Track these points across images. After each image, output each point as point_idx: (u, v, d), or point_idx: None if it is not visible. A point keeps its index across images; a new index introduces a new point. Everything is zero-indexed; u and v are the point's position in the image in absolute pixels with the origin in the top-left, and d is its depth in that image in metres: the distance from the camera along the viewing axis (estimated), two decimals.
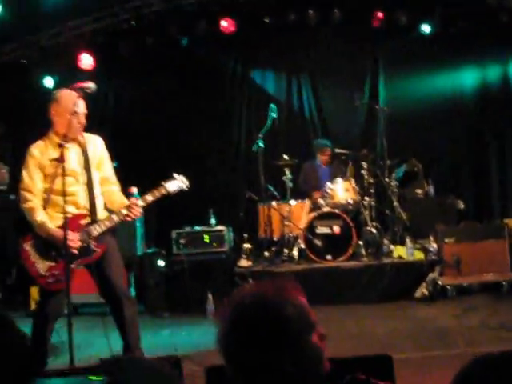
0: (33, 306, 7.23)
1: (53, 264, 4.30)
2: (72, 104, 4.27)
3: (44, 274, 4.30)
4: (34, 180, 4.35)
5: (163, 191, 4.46)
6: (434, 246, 7.29)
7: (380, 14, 8.78)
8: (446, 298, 6.79)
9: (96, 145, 4.57)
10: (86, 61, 9.11)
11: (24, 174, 4.40)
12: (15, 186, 8.22)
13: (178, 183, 4.54)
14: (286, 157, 8.06)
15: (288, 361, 1.53)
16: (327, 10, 8.87)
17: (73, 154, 4.38)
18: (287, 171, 8.08)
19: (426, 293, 6.78)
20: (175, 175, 4.57)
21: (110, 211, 4.52)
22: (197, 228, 7.81)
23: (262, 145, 7.74)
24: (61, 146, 4.17)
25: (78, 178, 4.38)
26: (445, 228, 7.36)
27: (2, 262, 8.52)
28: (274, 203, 8.07)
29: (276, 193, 8.20)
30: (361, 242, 7.63)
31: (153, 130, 9.24)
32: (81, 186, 4.39)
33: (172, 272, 7.37)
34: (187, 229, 7.78)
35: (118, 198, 4.58)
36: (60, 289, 4.26)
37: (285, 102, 9.53)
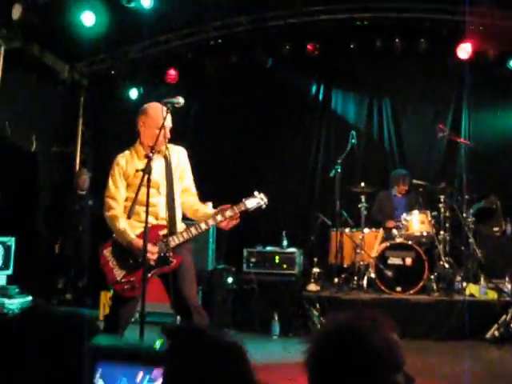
0: (102, 309, 7.46)
1: (130, 271, 4.39)
2: (160, 118, 4.35)
3: (120, 280, 4.39)
4: (118, 189, 4.47)
5: (242, 208, 4.46)
6: (509, 286, 7.07)
7: (468, 47, 8.68)
8: None
9: (179, 156, 4.65)
10: (171, 75, 9.41)
11: (110, 182, 4.51)
12: (94, 191, 8.64)
13: (257, 200, 4.54)
14: (362, 184, 8.03)
15: None
16: (414, 39, 8.84)
17: (157, 166, 4.45)
18: (363, 199, 8.04)
19: (497, 334, 6.57)
20: (255, 193, 4.57)
21: (188, 223, 4.58)
22: (268, 248, 7.87)
23: (339, 170, 7.73)
24: (147, 157, 4.25)
25: (160, 189, 4.46)
26: None
27: (77, 264, 8.82)
28: (347, 230, 8.03)
29: (350, 220, 8.16)
30: (432, 277, 7.49)
31: (232, 147, 9.39)
32: (162, 197, 4.47)
33: (240, 290, 7.43)
34: (259, 248, 7.84)
35: (200, 207, 4.65)
36: (134, 296, 4.36)
37: (364, 129, 9.51)
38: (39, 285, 8.23)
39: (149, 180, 4.14)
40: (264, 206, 4.59)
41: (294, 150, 9.46)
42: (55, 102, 9.20)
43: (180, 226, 4.55)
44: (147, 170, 4.11)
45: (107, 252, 4.47)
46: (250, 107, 9.44)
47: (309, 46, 9.00)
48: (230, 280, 7.47)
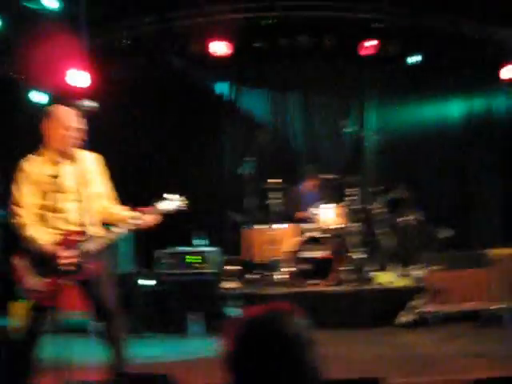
0: (13, 320, 7.20)
1: (44, 280, 4.23)
2: (67, 119, 4.25)
3: (35, 289, 4.24)
4: (24, 195, 4.28)
5: (153, 211, 4.43)
6: (418, 273, 7.31)
7: (369, 44, 8.93)
8: (427, 326, 6.78)
9: (91, 161, 4.52)
10: (80, 78, 9.18)
11: (15, 189, 4.33)
12: (4, 201, 8.33)
13: (170, 203, 4.52)
14: (270, 181, 8.10)
15: (285, 376, 1.59)
16: (319, 37, 9.00)
17: (66, 170, 4.32)
18: (271, 195, 8.12)
19: (405, 320, 6.79)
20: (165, 195, 4.54)
21: (106, 227, 4.48)
22: (179, 248, 7.81)
23: (248, 168, 7.79)
24: (55, 162, 4.15)
25: (70, 195, 4.32)
26: (429, 256, 7.39)
27: None
28: (257, 226, 8.09)
29: (260, 216, 8.22)
30: (345, 268, 7.64)
31: (144, 150, 9.30)
32: (73, 203, 4.33)
33: (154, 292, 7.35)
34: (170, 249, 7.78)
35: (114, 212, 4.54)
36: (50, 305, 4.23)
37: (273, 126, 9.61)
38: None
39: (58, 185, 4.06)
40: (182, 206, 4.56)
41: (204, 149, 9.45)
42: None
43: (94, 230, 4.42)
44: (56, 176, 4.06)
45: (19, 261, 4.30)
46: (161, 109, 9.37)
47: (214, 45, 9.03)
48: (143, 282, 7.37)
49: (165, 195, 4.54)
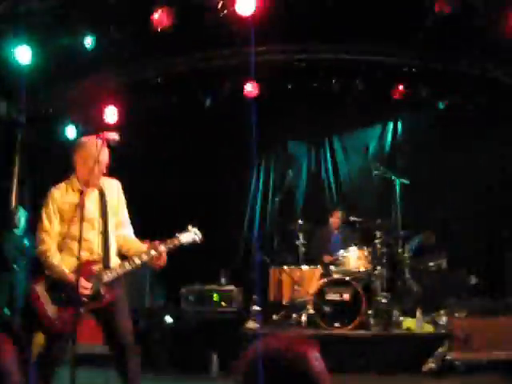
0: (35, 350, 7.22)
1: (61, 307, 4.27)
2: (95, 151, 4.33)
3: (52, 316, 4.28)
4: (52, 223, 4.38)
5: (176, 242, 4.47)
6: (444, 319, 7.21)
7: (401, 87, 9.02)
8: (454, 374, 6.63)
9: (113, 189, 4.62)
10: (111, 114, 9.36)
11: (43, 216, 4.42)
12: (32, 231, 8.45)
13: (191, 235, 4.56)
14: (300, 221, 8.11)
15: None
16: (350, 80, 9.10)
17: (91, 200, 4.41)
18: (301, 236, 8.12)
19: (434, 367, 6.65)
20: (189, 227, 4.58)
21: (123, 257, 4.53)
22: (207, 286, 7.82)
23: (277, 208, 7.82)
24: (81, 192, 4.21)
25: (94, 224, 4.39)
26: (456, 302, 7.30)
27: (11, 305, 8.55)
28: (285, 267, 8.07)
29: (288, 256, 8.21)
30: (370, 312, 7.57)
31: (171, 184, 9.38)
32: (96, 232, 4.40)
33: (179, 328, 7.34)
34: (197, 286, 7.79)
35: (133, 242, 4.59)
36: (66, 333, 4.24)
37: (303, 167, 9.65)
38: None
39: (82, 214, 4.10)
40: (198, 241, 4.60)
41: (233, 188, 9.51)
42: None
43: (114, 260, 4.48)
44: (81, 205, 4.09)
45: (39, 287, 4.35)
46: (188, 147, 9.49)
47: (247, 86, 9.17)
48: (167, 318, 7.38)
49: (189, 227, 4.59)
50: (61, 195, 4.44)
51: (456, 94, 9.06)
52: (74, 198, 4.39)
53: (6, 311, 8.47)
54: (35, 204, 8.94)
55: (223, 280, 7.95)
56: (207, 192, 9.32)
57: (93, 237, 4.38)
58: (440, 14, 6.76)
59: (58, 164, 8.79)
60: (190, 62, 8.92)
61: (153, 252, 4.41)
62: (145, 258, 4.41)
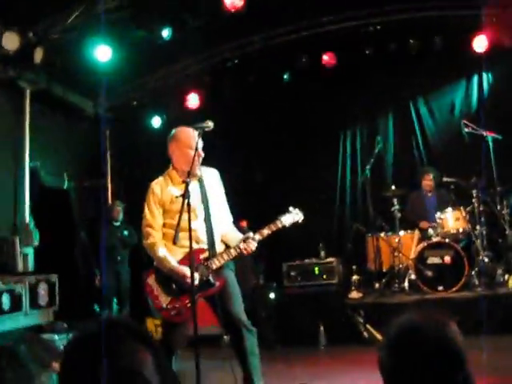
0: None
1: (174, 297, 4.42)
2: (193, 141, 4.40)
3: (166, 307, 4.43)
4: (155, 216, 4.50)
5: (279, 225, 4.51)
6: None
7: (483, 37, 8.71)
8: None
9: (213, 178, 4.69)
10: (193, 100, 9.55)
11: (146, 210, 4.54)
12: (129, 222, 8.78)
13: (292, 216, 4.59)
14: (393, 187, 8.04)
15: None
16: (428, 38, 8.86)
17: (192, 190, 4.40)
18: (395, 202, 8.04)
19: None
20: (290, 208, 4.61)
21: (227, 245, 4.61)
22: (307, 260, 7.90)
23: (368, 176, 7.76)
24: (185, 182, 4.24)
25: (196, 213, 4.46)
26: None
27: (119, 294, 8.93)
28: (382, 234, 8.03)
29: (384, 223, 8.16)
30: (473, 272, 7.45)
31: (259, 164, 9.46)
32: (200, 221, 4.49)
33: (283, 304, 7.46)
34: (298, 261, 7.87)
35: (232, 231, 4.67)
36: (181, 321, 4.40)
37: (390, 132, 9.50)
38: (83, 319, 8.34)
39: (189, 205, 4.14)
40: (300, 220, 4.63)
41: (321, 161, 9.48)
42: (82, 137, 9.37)
43: (219, 247, 4.57)
44: (187, 196, 4.11)
45: (151, 280, 4.51)
46: (273, 124, 9.52)
47: (324, 57, 9.10)
48: (272, 295, 7.51)
49: (290, 208, 4.61)
50: (161, 188, 4.53)
51: None
52: (174, 189, 4.49)
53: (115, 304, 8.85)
54: (130, 196, 9.35)
55: (322, 253, 7.99)
56: (297, 167, 9.35)
57: (196, 226, 4.44)
58: None
59: (148, 154, 9.12)
60: (264, 39, 8.94)
61: (257, 236, 4.46)
62: (247, 245, 4.45)
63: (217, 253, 4.49)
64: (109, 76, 8.05)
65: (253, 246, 4.45)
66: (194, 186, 4.50)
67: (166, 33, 7.78)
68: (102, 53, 7.74)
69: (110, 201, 9.95)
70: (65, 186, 8.93)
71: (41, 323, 6.69)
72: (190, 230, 4.07)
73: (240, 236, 4.56)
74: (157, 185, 4.57)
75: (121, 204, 9.20)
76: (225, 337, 7.07)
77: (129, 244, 8.91)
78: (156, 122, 9.92)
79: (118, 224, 9.06)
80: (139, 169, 9.64)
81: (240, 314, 4.46)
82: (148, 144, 9.44)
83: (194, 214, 4.44)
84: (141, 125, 9.94)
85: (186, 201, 4.12)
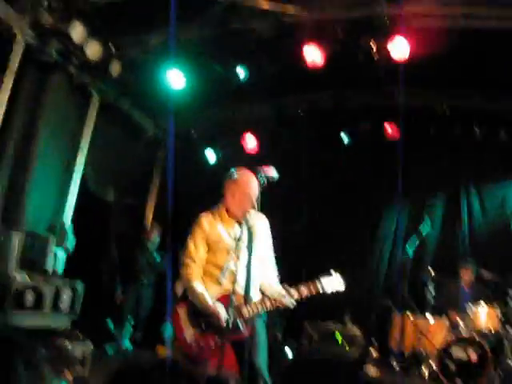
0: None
1: (199, 333, 4.37)
2: (250, 187, 4.39)
3: (189, 340, 4.38)
4: (198, 250, 4.46)
5: (319, 287, 4.39)
6: None
7: None
8: None
9: (262, 225, 4.63)
10: (251, 143, 9.61)
11: (190, 242, 4.51)
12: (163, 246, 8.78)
13: (334, 282, 4.45)
14: (431, 270, 7.90)
15: None
16: (493, 129, 8.82)
17: (240, 232, 4.40)
18: (430, 285, 7.89)
19: None
20: (332, 271, 4.48)
21: (264, 295, 4.54)
22: (330, 324, 7.75)
23: (410, 257, 7.63)
24: (231, 222, 4.27)
25: (239, 255, 4.37)
26: None
27: (136, 316, 8.89)
28: (410, 315, 7.86)
29: (415, 306, 7.99)
30: (497, 375, 7.19)
31: (307, 223, 9.41)
32: (241, 264, 4.39)
33: (297, 364, 7.31)
34: (320, 323, 7.74)
35: (274, 283, 4.58)
36: (200, 360, 4.32)
37: (438, 215, 9.39)
38: (97, 332, 8.30)
39: (230, 245, 4.17)
40: (341, 290, 4.49)
41: (366, 232, 9.40)
42: (137, 155, 9.51)
43: (256, 295, 4.50)
44: (229, 235, 4.15)
45: (181, 310, 4.47)
46: (325, 185, 9.51)
47: (388, 127, 9.13)
48: (288, 351, 7.37)
49: (331, 271, 4.48)
50: (209, 224, 4.51)
51: None
52: (221, 227, 4.49)
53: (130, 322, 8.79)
54: (168, 221, 9.36)
55: (347, 320, 7.84)
56: (339, 230, 9.28)
57: (236, 268, 4.39)
58: None
59: (196, 187, 9.17)
60: (334, 98, 9.02)
61: (295, 294, 4.40)
62: (287, 299, 4.39)
63: (251, 301, 4.39)
64: (176, 102, 8.20)
65: (291, 304, 4.39)
66: (242, 228, 4.45)
67: (242, 73, 7.90)
68: (176, 79, 7.89)
69: (146, 222, 10.02)
70: (109, 198, 9.03)
71: (58, 328, 6.66)
72: (225, 269, 4.20)
73: (280, 290, 4.47)
74: (205, 219, 4.55)
75: (158, 227, 9.24)
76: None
77: (158, 268, 8.91)
78: (211, 157, 9.98)
79: (151, 247, 9.08)
80: (183, 200, 9.66)
81: (262, 368, 4.37)
82: (198, 178, 9.49)
83: (236, 256, 4.39)
84: (195, 156, 10.01)
85: (229, 241, 4.17)
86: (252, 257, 4.42)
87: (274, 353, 7.37)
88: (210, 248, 4.49)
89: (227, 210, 4.57)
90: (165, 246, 8.91)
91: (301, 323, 7.81)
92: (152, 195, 10.19)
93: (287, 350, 7.41)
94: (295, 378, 7.20)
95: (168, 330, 7.94)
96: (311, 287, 4.40)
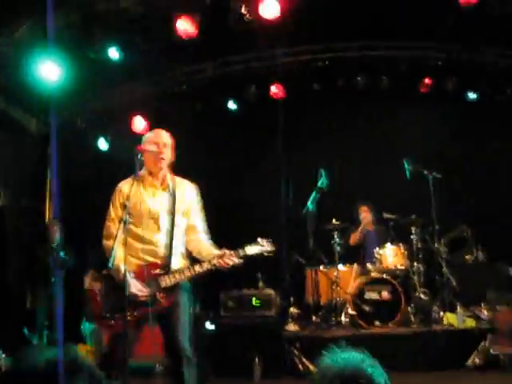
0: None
1: (118, 309, 4.15)
2: (160, 138, 4.43)
3: (106, 315, 4.23)
4: (117, 211, 4.34)
5: (241, 253, 4.36)
6: (486, 313, 7.13)
7: (428, 81, 9.00)
8: (499, 368, 6.52)
9: (186, 191, 4.54)
10: (139, 124, 9.42)
11: (110, 206, 4.42)
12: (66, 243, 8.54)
13: (258, 247, 4.45)
14: (334, 221, 8.08)
15: None
16: (376, 76, 9.06)
17: (161, 198, 4.39)
18: (335, 235, 8.09)
19: (478, 361, 6.56)
20: (259, 239, 4.46)
21: (194, 261, 4.43)
22: (245, 291, 7.82)
23: (311, 209, 7.78)
24: (152, 187, 4.26)
25: (159, 224, 4.33)
26: (496, 295, 7.20)
27: (51, 317, 8.62)
28: (321, 267, 8.04)
29: (324, 257, 8.18)
30: (410, 308, 7.52)
31: (211, 191, 9.36)
32: (162, 234, 4.34)
33: (220, 335, 7.34)
34: (235, 291, 7.78)
35: (205, 246, 4.47)
36: (121, 331, 4.10)
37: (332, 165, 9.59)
38: (11, 339, 8.02)
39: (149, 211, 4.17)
40: (266, 253, 4.49)
41: (264, 191, 9.46)
42: (23, 155, 9.13)
43: (179, 264, 4.39)
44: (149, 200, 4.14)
45: (96, 286, 4.32)
46: (216, 151, 9.49)
47: (273, 88, 9.18)
48: (208, 325, 7.38)
49: (258, 239, 4.47)
50: (129, 187, 4.36)
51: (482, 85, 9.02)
52: (144, 192, 4.40)
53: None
54: (68, 217, 9.11)
55: (261, 284, 7.93)
56: (239, 198, 9.31)
57: (157, 239, 4.33)
58: None
59: (91, 175, 8.93)
60: (214, 67, 8.96)
61: (215, 262, 4.30)
62: (206, 266, 4.32)
63: (171, 270, 4.29)
64: (55, 94, 7.89)
65: (229, 260, 4.30)
66: (164, 195, 4.42)
67: (115, 54, 7.68)
68: (50, 71, 7.56)
69: (48, 220, 9.69)
70: (1, 203, 8.67)
71: None
72: (144, 240, 4.16)
73: (215, 251, 4.40)
74: (126, 183, 4.43)
75: (58, 224, 8.95)
76: (157, 366, 6.92)
77: (65, 264, 8.65)
78: (102, 144, 9.73)
79: (54, 245, 8.80)
80: (79, 191, 9.41)
81: (184, 342, 4.25)
82: (92, 166, 9.27)
83: (157, 225, 4.34)
84: (85, 146, 9.72)
85: (148, 207, 4.16)
86: (174, 223, 4.38)
87: (196, 328, 7.38)
88: (131, 213, 4.30)
89: (150, 174, 4.46)
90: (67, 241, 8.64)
91: (217, 295, 7.81)
92: (48, 193, 9.83)
93: (208, 323, 7.40)
94: (219, 349, 7.25)
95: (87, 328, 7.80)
96: (234, 254, 4.34)
